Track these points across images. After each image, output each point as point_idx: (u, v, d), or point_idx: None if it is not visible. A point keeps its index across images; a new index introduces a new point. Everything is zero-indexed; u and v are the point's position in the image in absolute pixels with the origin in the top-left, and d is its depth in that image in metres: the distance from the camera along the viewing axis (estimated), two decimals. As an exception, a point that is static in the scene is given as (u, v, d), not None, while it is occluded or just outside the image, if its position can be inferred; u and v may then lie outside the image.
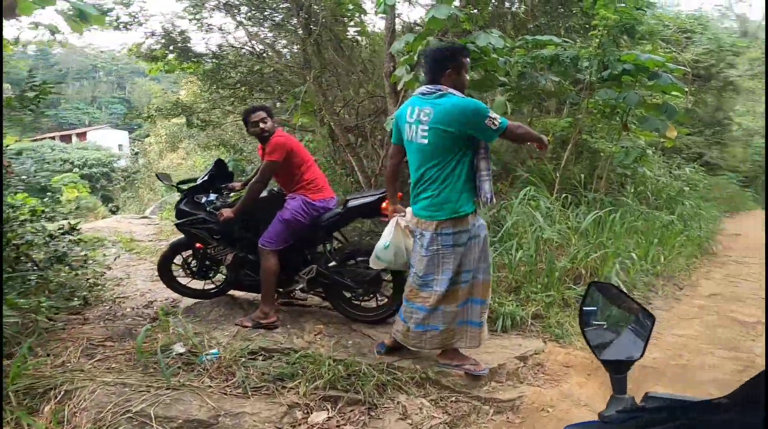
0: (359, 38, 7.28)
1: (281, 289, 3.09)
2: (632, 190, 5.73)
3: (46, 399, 2.05)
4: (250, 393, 2.27)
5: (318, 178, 2.99)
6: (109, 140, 29.42)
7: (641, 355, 0.75)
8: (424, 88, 2.32)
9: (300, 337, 2.80)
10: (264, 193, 3.03)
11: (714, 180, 11.52)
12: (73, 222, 3.50)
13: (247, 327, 2.86)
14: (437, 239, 2.33)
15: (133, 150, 28.97)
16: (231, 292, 3.44)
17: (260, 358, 2.57)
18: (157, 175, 3.54)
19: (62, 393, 2.07)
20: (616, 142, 5.22)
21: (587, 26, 5.82)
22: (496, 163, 5.11)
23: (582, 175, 5.54)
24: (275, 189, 3.20)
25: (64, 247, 3.33)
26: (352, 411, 2.28)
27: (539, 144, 2.43)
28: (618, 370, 0.75)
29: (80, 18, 2.62)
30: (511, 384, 2.64)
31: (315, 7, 6.04)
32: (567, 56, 4.86)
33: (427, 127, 2.24)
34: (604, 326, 0.83)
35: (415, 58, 4.37)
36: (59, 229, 3.39)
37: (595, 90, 5.11)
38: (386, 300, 3.05)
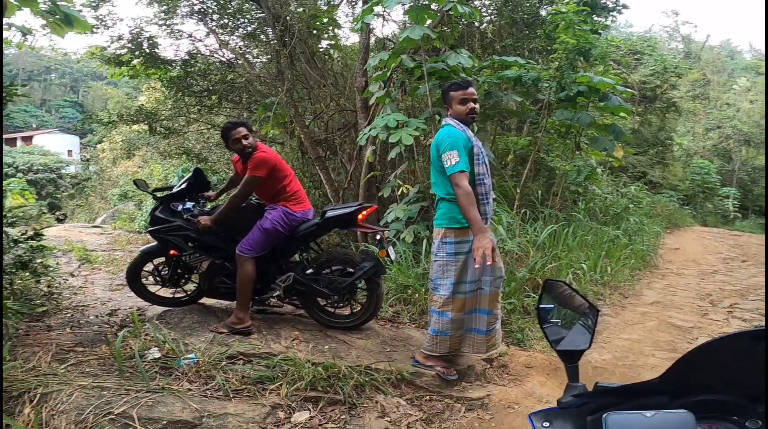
0: (331, 51, 7.42)
1: (256, 297, 3.16)
2: (583, 207, 6.19)
3: (20, 402, 2.03)
4: (231, 395, 2.32)
5: (299, 191, 3.11)
6: (57, 145, 27.91)
7: (589, 345, 0.82)
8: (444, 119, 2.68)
9: (277, 342, 2.87)
10: (243, 203, 3.11)
11: (656, 198, 12.46)
12: (37, 228, 3.41)
13: (222, 333, 2.91)
14: (442, 247, 2.58)
15: (84, 156, 27.58)
16: (203, 300, 3.45)
17: (240, 362, 2.63)
18: (134, 181, 3.53)
19: (38, 396, 2.06)
20: (569, 161, 5.62)
21: (549, 48, 6.21)
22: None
23: (539, 192, 5.94)
24: (254, 200, 3.27)
25: (26, 253, 3.26)
26: (333, 410, 2.39)
27: (476, 239, 2.35)
28: (571, 359, 0.82)
29: (64, 23, 2.62)
30: (479, 384, 2.84)
31: (290, 19, 6.13)
32: (529, 77, 5.20)
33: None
34: (558, 321, 0.91)
35: (387, 74, 4.59)
36: (22, 234, 3.30)
37: (552, 110, 5.44)
38: (359, 307, 3.19)
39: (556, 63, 5.24)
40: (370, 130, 4.42)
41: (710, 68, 23.77)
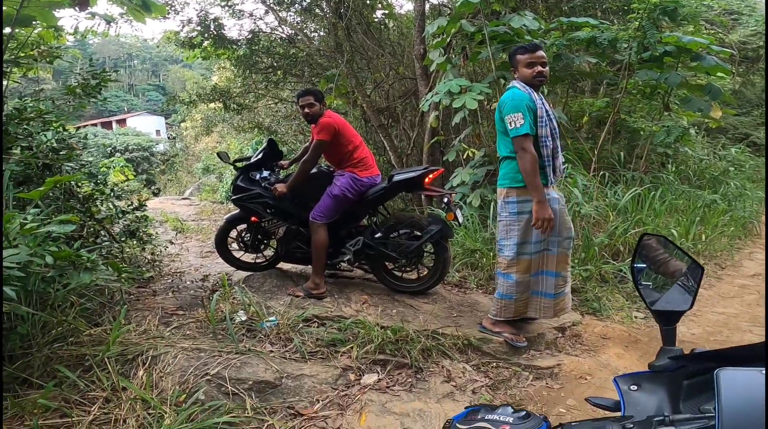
0: (387, 21, 7.34)
1: (329, 262, 3.27)
2: (674, 169, 5.64)
3: (135, 365, 2.17)
4: (307, 357, 2.46)
5: (367, 157, 3.14)
6: (146, 126, 30.45)
7: (690, 306, 0.77)
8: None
9: (348, 306, 2.99)
10: (314, 170, 3.20)
11: (761, 161, 11.02)
12: (141, 199, 3.77)
13: (299, 296, 3.08)
14: (505, 207, 2.57)
15: (170, 135, 29.89)
16: (280, 265, 3.66)
17: (314, 325, 2.78)
18: (217, 154, 3.76)
19: (149, 359, 2.20)
20: (656, 122, 5.13)
21: (625, 8, 5.68)
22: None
23: (621, 154, 5.51)
24: (324, 167, 3.36)
25: (133, 223, 3.62)
26: (399, 374, 2.46)
27: (536, 208, 2.43)
28: (668, 321, 0.76)
29: (143, 8, 2.78)
30: (549, 353, 2.77)
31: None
32: (605, 38, 4.83)
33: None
34: (655, 279, 0.85)
35: (447, 40, 4.48)
36: (129, 205, 3.67)
37: (634, 71, 5.03)
38: (426, 271, 3.21)
39: (636, 23, 4.74)
40: (432, 96, 4.39)
41: None
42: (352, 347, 2.54)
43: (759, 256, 4.93)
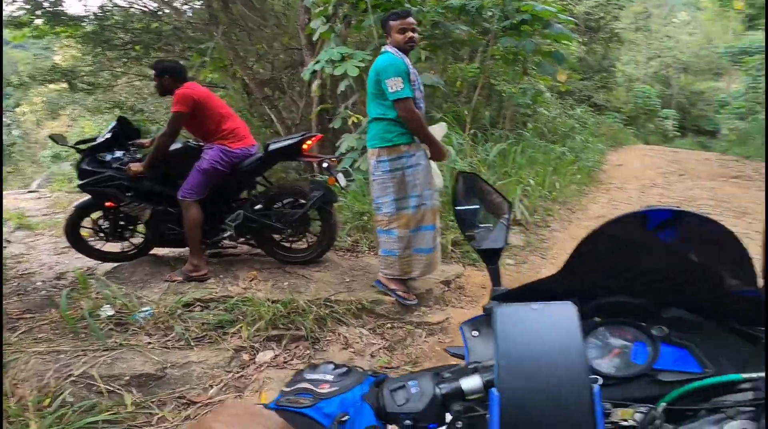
0: (270, -10, 6.98)
1: (208, 240, 3.07)
2: (532, 127, 6.29)
3: None
4: (192, 344, 2.30)
5: (238, 128, 2.96)
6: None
7: (505, 243, 0.77)
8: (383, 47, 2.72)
9: (235, 284, 2.83)
10: (178, 146, 2.95)
11: (601, 119, 12.86)
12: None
13: (177, 281, 2.83)
14: (378, 166, 2.64)
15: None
16: (154, 251, 3.33)
17: (197, 309, 2.58)
18: (51, 136, 3.22)
19: None
20: (516, 85, 5.64)
21: None
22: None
23: (489, 115, 5.99)
24: (192, 142, 3.09)
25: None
26: (296, 347, 2.42)
27: (434, 151, 2.67)
28: (491, 259, 0.76)
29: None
30: (438, 307, 2.94)
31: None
32: (473, 6, 5.16)
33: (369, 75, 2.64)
34: (475, 217, 0.84)
35: (330, 9, 4.44)
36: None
37: (498, 38, 5.44)
38: (315, 239, 3.16)
39: (498, -8, 5.14)
40: (313, 64, 4.36)
41: (652, 2, 24.08)
42: (241, 327, 2.42)
43: (601, 199, 5.79)
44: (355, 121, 4.60)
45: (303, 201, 3.00)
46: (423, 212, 2.69)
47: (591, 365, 0.60)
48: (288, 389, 0.56)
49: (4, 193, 11.49)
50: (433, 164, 2.78)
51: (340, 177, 3.00)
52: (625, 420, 0.51)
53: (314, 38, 4.79)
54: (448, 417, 0.53)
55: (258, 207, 3.00)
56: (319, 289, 2.79)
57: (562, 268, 0.60)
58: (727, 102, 18.43)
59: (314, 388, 0.55)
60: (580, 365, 0.42)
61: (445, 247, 3.46)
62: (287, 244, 3.17)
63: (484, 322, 0.66)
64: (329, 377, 0.56)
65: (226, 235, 3.02)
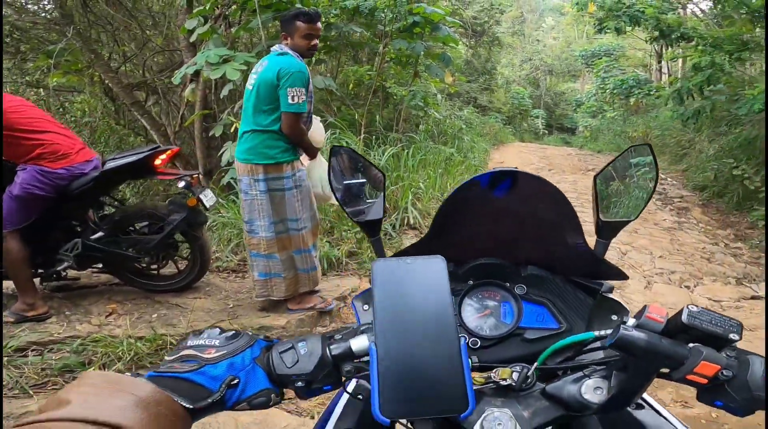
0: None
1: (42, 271, 2.48)
2: (424, 129, 6.29)
3: None
4: (31, 392, 1.86)
5: (60, 145, 2.34)
6: None
7: (384, 214, 0.77)
8: (276, 46, 2.33)
9: (86, 321, 2.31)
10: None
11: (485, 119, 13.61)
12: None
13: (9, 322, 2.22)
14: (254, 185, 2.28)
15: None
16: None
17: (33, 353, 2.04)
18: None
19: None
20: (408, 88, 5.57)
21: None
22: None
23: (380, 118, 5.86)
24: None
25: None
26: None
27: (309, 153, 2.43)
28: (373, 232, 0.75)
29: None
30: (335, 325, 2.70)
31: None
32: (366, 7, 4.93)
33: (256, 77, 2.25)
34: (353, 191, 0.81)
35: (209, 8, 3.92)
36: None
37: (392, 40, 5.31)
38: (187, 263, 2.72)
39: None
40: (186, 67, 3.83)
41: (526, 7, 26.01)
42: (94, 369, 1.95)
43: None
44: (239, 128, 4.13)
45: (162, 224, 2.52)
46: (303, 235, 2.41)
47: (470, 327, 0.64)
48: (170, 358, 0.50)
49: None
50: (323, 175, 2.51)
51: (206, 195, 2.55)
52: (504, 379, 0.54)
53: (191, 39, 4.21)
54: None
55: (99, 234, 2.46)
56: (195, 320, 2.39)
57: (427, 232, 0.65)
58: (582, 101, 20.73)
59: (199, 354, 0.49)
60: (447, 315, 0.44)
61: (341, 259, 3.23)
62: (153, 272, 2.67)
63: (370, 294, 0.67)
64: (216, 342, 0.51)
65: (63, 266, 2.44)
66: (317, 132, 2.46)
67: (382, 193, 0.77)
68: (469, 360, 0.53)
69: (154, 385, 0.41)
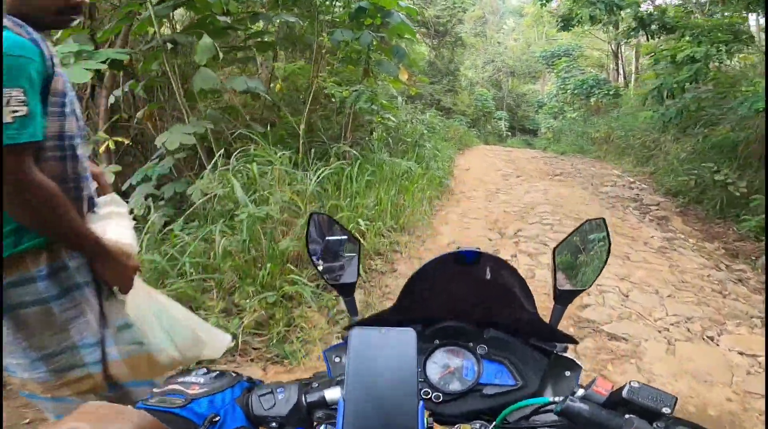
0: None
1: None
2: (377, 137, 5.13)
3: None
4: None
5: None
6: None
7: (357, 277, 0.78)
8: None
9: None
10: None
11: (449, 122, 12.64)
12: None
13: None
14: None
15: None
16: None
17: None
18: None
19: None
20: (352, 89, 4.41)
21: None
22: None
23: (335, 125, 4.70)
24: None
25: None
26: None
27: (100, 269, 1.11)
28: (347, 293, 0.77)
29: None
30: None
31: None
32: None
33: None
34: (329, 256, 0.81)
35: None
36: None
37: (332, 30, 4.17)
38: None
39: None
40: None
41: (488, 9, 25.37)
42: None
43: (452, 216, 4.97)
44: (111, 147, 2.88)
45: None
46: (115, 365, 1.17)
47: (434, 383, 0.67)
48: (158, 390, 0.52)
49: None
50: (168, 320, 1.21)
51: None
52: None
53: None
54: None
55: None
56: None
57: (395, 303, 0.67)
58: (544, 103, 20.16)
59: (185, 390, 0.52)
60: (411, 382, 0.46)
61: (237, 339, 2.06)
62: None
63: (343, 348, 0.69)
64: (201, 380, 0.54)
65: None
66: (117, 226, 1.16)
67: (357, 256, 0.80)
68: (428, 419, 0.56)
69: (153, 417, 0.43)
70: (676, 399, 0.50)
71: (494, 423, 0.58)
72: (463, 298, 0.68)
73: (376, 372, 0.46)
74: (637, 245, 4.24)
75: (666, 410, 0.49)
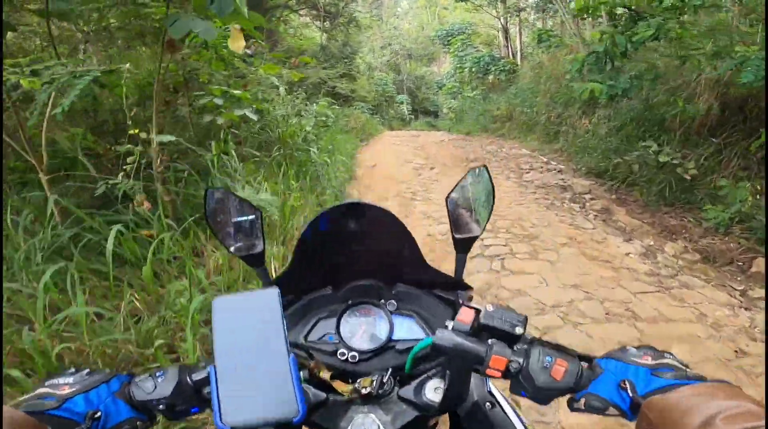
0: None
1: None
2: (210, 158, 2.89)
3: None
4: None
5: None
6: None
7: (263, 246, 0.71)
8: None
9: None
10: None
11: (349, 111, 10.93)
12: None
13: None
14: None
15: None
16: None
17: None
18: None
19: None
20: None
21: None
22: None
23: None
24: None
25: None
26: None
27: None
28: (256, 263, 0.71)
29: None
30: None
31: None
32: None
33: None
34: (228, 226, 0.74)
35: None
36: None
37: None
38: None
39: None
40: None
41: None
42: None
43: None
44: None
45: None
46: None
47: (349, 343, 0.65)
48: (26, 396, 0.48)
49: None
50: None
51: None
52: (365, 387, 0.56)
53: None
54: None
55: None
56: None
57: (291, 262, 0.65)
58: (443, 83, 19.27)
59: (54, 391, 0.48)
60: (278, 339, 0.44)
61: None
62: None
63: None
64: (70, 379, 0.50)
65: None
66: None
67: (260, 226, 0.74)
68: (301, 373, 0.50)
69: (24, 414, 0.41)
70: (526, 318, 0.50)
71: (389, 371, 0.59)
72: (365, 255, 0.66)
73: (241, 335, 0.45)
74: (626, 281, 2.85)
75: (519, 330, 0.49)
